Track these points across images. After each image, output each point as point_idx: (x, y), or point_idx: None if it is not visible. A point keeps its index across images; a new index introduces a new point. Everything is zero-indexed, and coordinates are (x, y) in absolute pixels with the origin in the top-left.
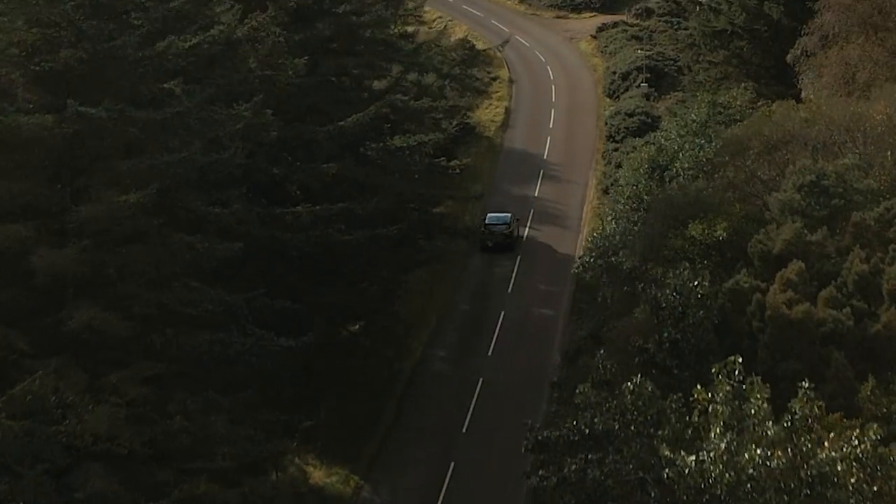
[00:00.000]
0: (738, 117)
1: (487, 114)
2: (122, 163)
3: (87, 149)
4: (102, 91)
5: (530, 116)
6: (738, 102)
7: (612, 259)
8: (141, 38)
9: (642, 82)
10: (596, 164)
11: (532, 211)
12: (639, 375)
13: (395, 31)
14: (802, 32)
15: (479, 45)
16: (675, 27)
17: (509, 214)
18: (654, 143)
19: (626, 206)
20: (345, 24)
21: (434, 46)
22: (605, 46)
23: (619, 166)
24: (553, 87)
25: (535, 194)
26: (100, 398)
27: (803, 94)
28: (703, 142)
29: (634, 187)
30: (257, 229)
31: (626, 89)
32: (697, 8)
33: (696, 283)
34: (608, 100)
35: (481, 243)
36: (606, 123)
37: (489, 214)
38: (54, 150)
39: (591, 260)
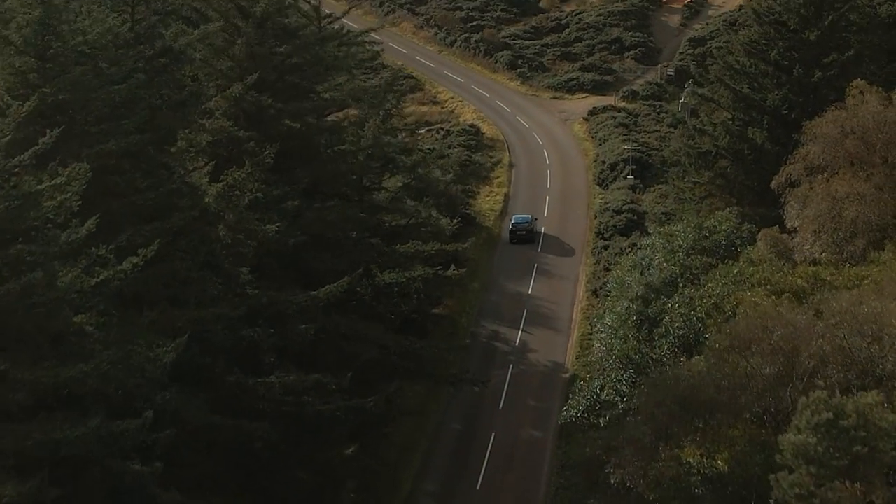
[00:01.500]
0: (724, 242)
1: (488, 201)
2: (4, 436)
3: None
4: None
5: (527, 203)
6: (724, 227)
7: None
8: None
9: (628, 174)
10: (586, 258)
11: (525, 311)
12: None
13: (395, 144)
14: (787, 161)
15: (485, 128)
16: (658, 111)
17: (530, 216)
18: (640, 270)
19: (615, 364)
20: (331, 171)
21: (434, 159)
22: (596, 132)
23: (607, 269)
24: (548, 172)
25: (529, 291)
26: None
27: (788, 224)
28: (692, 291)
29: (622, 342)
30: (220, 420)
31: (615, 179)
32: (682, 126)
33: None
34: (598, 188)
35: (510, 238)
36: (596, 217)
37: (515, 216)
38: None
39: (577, 414)
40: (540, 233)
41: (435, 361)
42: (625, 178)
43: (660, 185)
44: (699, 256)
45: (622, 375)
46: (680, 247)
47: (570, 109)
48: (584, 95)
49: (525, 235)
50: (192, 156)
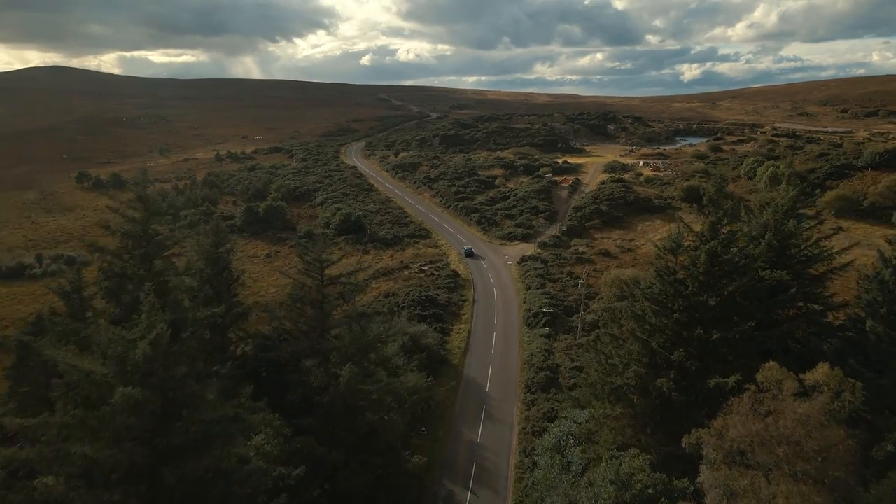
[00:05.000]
0: (640, 497)
1: (456, 339)
2: None
3: None
4: None
5: (481, 339)
6: (640, 478)
7: None
8: None
9: (545, 325)
10: (519, 402)
11: (474, 465)
12: None
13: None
14: (700, 425)
15: (461, 269)
16: (559, 258)
17: (471, 247)
18: None
19: None
20: None
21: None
22: (525, 277)
23: (534, 433)
24: (496, 308)
25: (478, 439)
26: None
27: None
28: None
29: None
30: None
31: (536, 325)
32: (599, 359)
33: None
34: (526, 328)
35: (465, 255)
36: (526, 363)
37: (465, 247)
38: None
39: None
40: (479, 256)
41: None
42: (542, 327)
43: (565, 336)
44: None
45: None
46: (605, 500)
47: (510, 253)
48: (518, 243)
49: (470, 254)
50: None
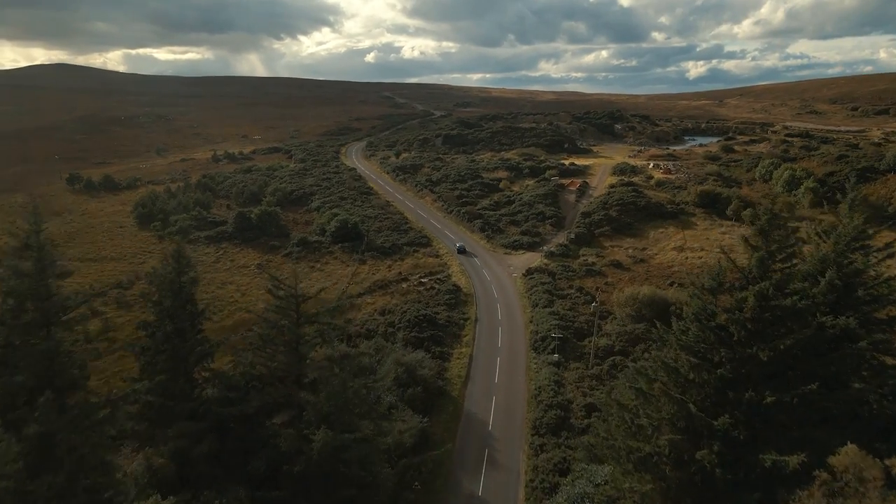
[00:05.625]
0: None
1: (456, 365)
2: None
3: None
4: None
5: (484, 366)
6: None
7: None
8: None
9: (553, 352)
10: (526, 445)
11: None
12: None
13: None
14: None
15: (463, 281)
16: (567, 269)
17: (463, 244)
18: None
19: None
20: None
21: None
22: (531, 292)
23: (545, 491)
24: (500, 328)
25: (480, 493)
26: None
27: None
28: None
29: None
30: None
31: (544, 349)
32: (621, 415)
33: None
34: (533, 352)
35: (457, 252)
36: (533, 398)
37: (458, 244)
38: None
39: None
40: (472, 253)
41: None
42: (551, 353)
43: (577, 364)
44: None
45: None
46: None
47: (515, 264)
48: (523, 252)
49: (462, 251)
50: None
